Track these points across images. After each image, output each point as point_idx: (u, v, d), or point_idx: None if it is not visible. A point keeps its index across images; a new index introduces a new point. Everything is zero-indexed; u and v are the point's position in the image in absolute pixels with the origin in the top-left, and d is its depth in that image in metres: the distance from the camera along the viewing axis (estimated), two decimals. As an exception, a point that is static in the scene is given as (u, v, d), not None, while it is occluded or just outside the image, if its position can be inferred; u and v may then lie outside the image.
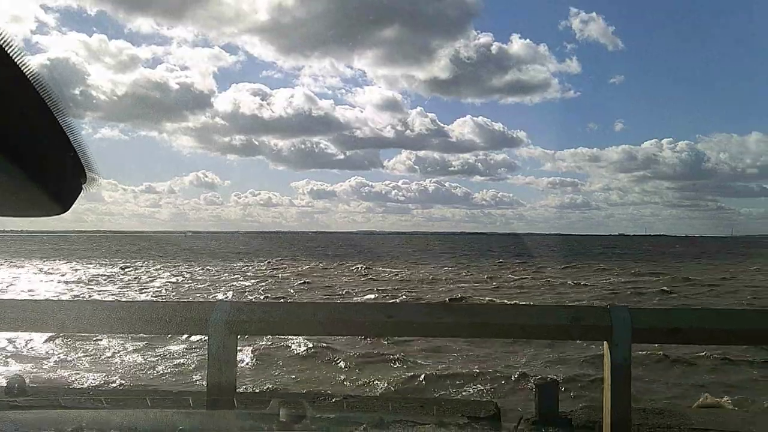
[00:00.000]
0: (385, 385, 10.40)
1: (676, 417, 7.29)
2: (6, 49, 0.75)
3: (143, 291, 28.75)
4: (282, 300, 22.20)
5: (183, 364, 12.07)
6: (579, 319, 3.81)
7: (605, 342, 3.72)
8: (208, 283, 33.14)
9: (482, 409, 7.14)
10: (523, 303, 19.59)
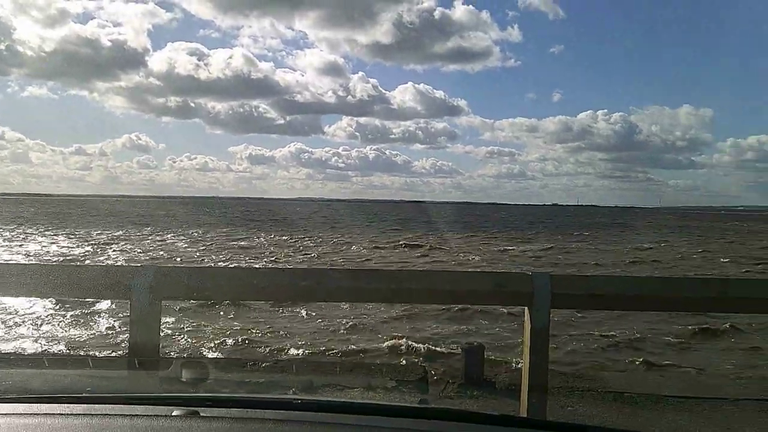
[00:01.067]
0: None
1: (595, 380, 7.63)
2: None
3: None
4: (209, 266, 21.88)
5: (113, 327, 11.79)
6: (502, 285, 3.90)
7: (526, 307, 3.83)
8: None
9: (411, 372, 7.26)
10: (450, 270, 19.93)
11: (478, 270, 19.56)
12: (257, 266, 19.59)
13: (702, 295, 4.04)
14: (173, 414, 1.50)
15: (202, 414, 1.50)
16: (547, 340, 3.80)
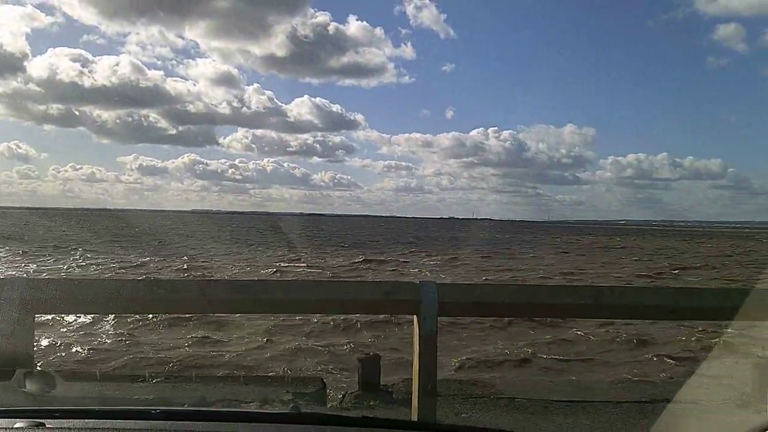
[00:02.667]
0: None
1: (488, 387, 7.82)
2: None
3: None
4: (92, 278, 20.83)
5: None
6: (390, 294, 3.93)
7: (414, 315, 3.88)
8: None
9: (308, 384, 7.19)
10: (341, 280, 20.02)
11: (368, 280, 19.69)
12: (159, 278, 18.85)
13: (578, 301, 4.25)
14: (15, 426, 1.44)
15: (48, 425, 1.45)
16: (435, 347, 3.87)
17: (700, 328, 12.93)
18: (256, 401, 6.48)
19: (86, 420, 1.49)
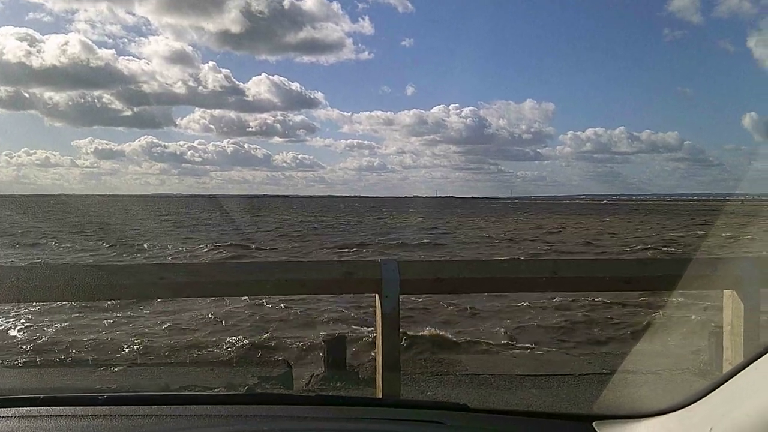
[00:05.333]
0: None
1: (453, 364, 7.92)
2: None
3: None
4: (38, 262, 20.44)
5: None
6: (351, 273, 3.93)
7: (377, 294, 3.89)
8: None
9: (274, 368, 7.19)
10: (299, 260, 20.04)
11: (329, 260, 19.72)
12: (115, 263, 18.51)
13: (537, 275, 4.31)
14: None
15: None
16: (398, 325, 3.88)
17: (656, 300, 13.29)
18: (221, 386, 6.47)
19: (30, 408, 1.47)
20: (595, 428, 1.35)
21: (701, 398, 1.05)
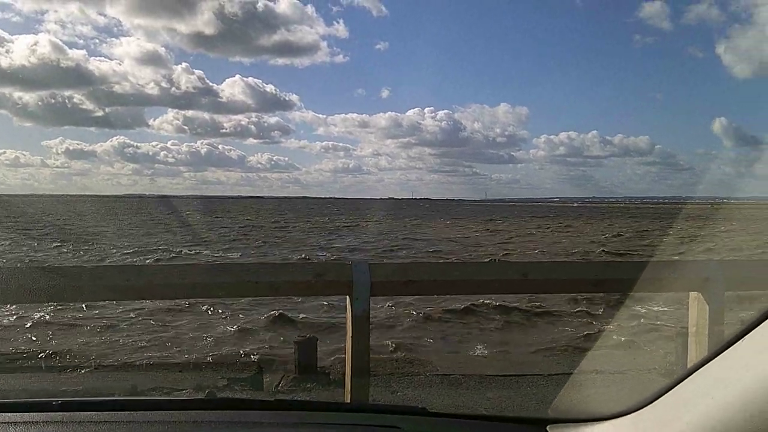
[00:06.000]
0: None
1: (424, 365, 7.93)
2: None
3: None
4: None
5: None
6: (322, 274, 3.91)
7: (347, 296, 3.88)
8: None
9: (244, 369, 7.13)
10: (268, 262, 19.90)
11: (299, 261, 19.62)
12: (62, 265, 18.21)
13: (508, 277, 4.34)
14: None
15: None
16: (368, 327, 3.88)
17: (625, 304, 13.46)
18: (190, 388, 6.39)
19: None
20: None
21: (653, 401, 1.05)
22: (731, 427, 0.80)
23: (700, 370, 0.91)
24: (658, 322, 11.19)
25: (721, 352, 0.87)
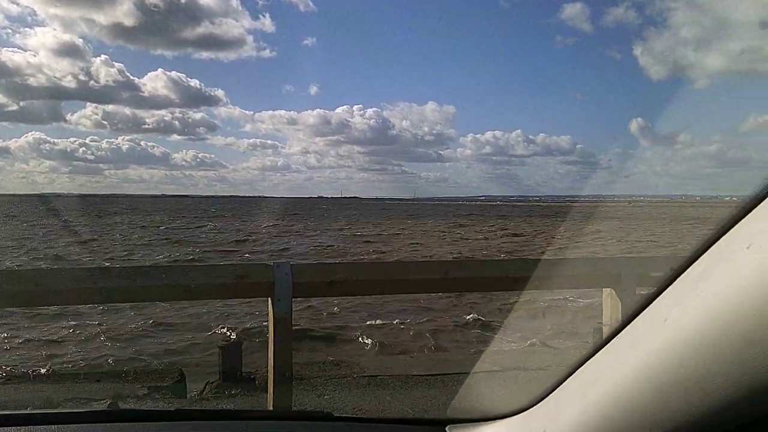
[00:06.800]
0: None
1: (350, 366, 7.92)
2: None
3: None
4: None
5: None
6: (243, 276, 3.85)
7: (269, 298, 3.83)
8: None
9: (166, 376, 6.92)
10: (188, 264, 19.40)
11: (220, 263, 19.24)
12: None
13: (428, 276, 4.39)
14: None
15: None
16: (291, 329, 3.84)
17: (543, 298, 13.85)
18: (108, 398, 6.15)
19: None
20: None
21: (542, 399, 1.07)
22: (607, 422, 0.83)
23: (582, 366, 0.94)
24: (576, 318, 11.56)
25: (601, 348, 0.90)
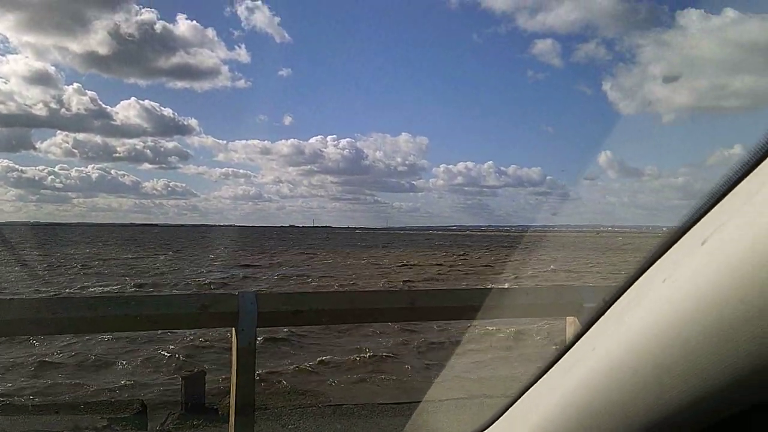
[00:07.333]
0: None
1: (316, 395, 7.83)
2: None
3: None
4: None
5: None
6: (207, 306, 3.79)
7: (233, 328, 3.78)
8: None
9: (126, 408, 6.77)
10: (150, 294, 19.09)
11: (183, 293, 18.96)
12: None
13: (395, 305, 4.38)
14: None
15: None
16: (254, 359, 3.79)
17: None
18: (66, 430, 5.97)
19: None
20: None
21: (490, 425, 1.09)
22: None
23: (526, 392, 0.96)
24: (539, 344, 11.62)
25: (542, 375, 0.92)
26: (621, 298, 0.77)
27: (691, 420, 0.67)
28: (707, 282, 0.61)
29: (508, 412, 1.02)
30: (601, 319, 0.80)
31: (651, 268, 0.73)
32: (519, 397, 0.98)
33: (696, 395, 0.64)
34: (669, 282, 0.68)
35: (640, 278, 0.74)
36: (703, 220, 0.66)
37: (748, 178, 0.60)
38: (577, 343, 0.84)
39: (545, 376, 0.91)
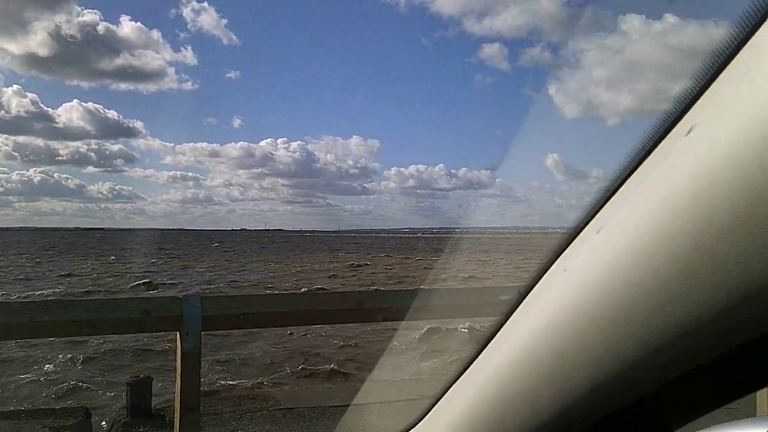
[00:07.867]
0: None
1: (266, 399, 7.78)
2: None
3: None
4: None
5: None
6: (150, 311, 3.74)
7: (177, 332, 3.74)
8: None
9: (70, 416, 6.59)
10: (91, 299, 18.65)
11: (125, 297, 18.55)
12: None
13: (342, 306, 4.39)
14: None
15: None
16: (199, 364, 3.75)
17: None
18: (5, 440, 5.77)
19: None
20: None
21: (415, 425, 1.10)
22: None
23: (447, 391, 0.98)
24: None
25: (462, 373, 0.94)
26: (532, 290, 0.79)
27: (593, 407, 0.70)
28: (599, 270, 0.64)
29: (431, 412, 1.03)
30: (514, 312, 0.82)
31: (558, 259, 0.75)
32: (441, 396, 0.99)
33: (593, 383, 0.66)
34: (568, 271, 0.70)
35: (549, 270, 0.76)
36: (602, 209, 0.69)
37: (639, 168, 0.63)
38: (493, 339, 0.87)
39: (465, 373, 0.93)
